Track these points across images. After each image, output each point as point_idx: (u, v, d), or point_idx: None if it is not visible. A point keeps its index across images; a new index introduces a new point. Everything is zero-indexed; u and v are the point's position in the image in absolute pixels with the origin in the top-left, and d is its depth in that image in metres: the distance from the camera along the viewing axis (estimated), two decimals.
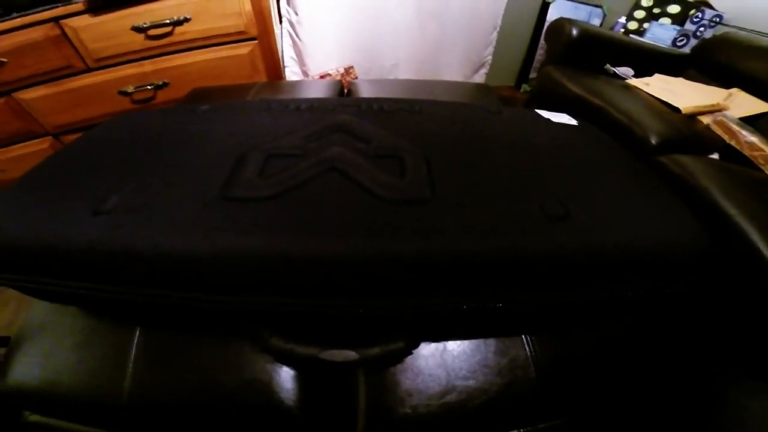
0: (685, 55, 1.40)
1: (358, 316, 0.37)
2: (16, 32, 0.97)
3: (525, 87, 1.90)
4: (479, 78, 1.81)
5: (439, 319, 0.42)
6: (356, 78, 1.67)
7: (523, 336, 0.44)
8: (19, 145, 1.20)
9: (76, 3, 0.98)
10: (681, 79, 1.32)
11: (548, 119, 0.59)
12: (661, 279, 0.36)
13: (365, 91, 1.05)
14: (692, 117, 1.09)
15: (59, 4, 0.97)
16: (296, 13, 1.44)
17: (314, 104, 0.60)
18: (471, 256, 0.34)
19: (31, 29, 0.98)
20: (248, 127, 0.53)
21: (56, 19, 0.98)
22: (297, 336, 0.41)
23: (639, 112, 1.02)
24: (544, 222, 0.36)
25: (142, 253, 0.34)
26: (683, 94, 1.20)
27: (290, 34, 1.51)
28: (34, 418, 0.49)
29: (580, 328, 0.45)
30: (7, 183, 1.26)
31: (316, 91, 1.10)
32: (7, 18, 0.95)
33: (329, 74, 1.64)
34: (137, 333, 0.46)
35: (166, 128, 0.55)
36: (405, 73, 1.73)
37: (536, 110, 0.62)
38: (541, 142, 0.51)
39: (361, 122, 0.53)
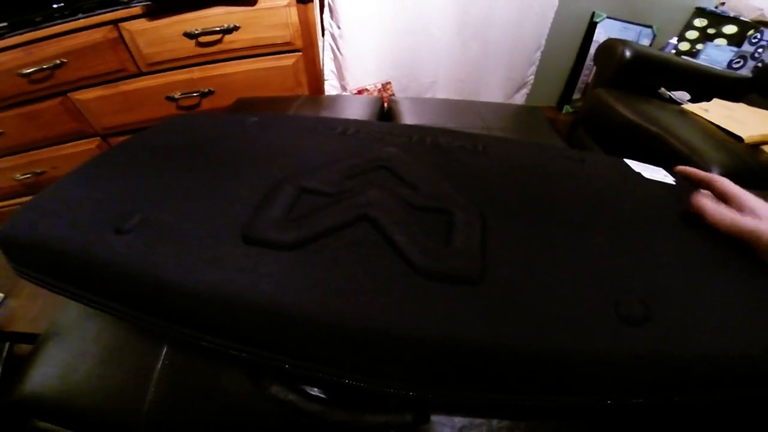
0: (745, 79, 1.32)
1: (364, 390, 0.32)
2: (78, 33, 1.01)
3: (567, 108, 1.84)
4: (520, 98, 1.77)
5: (463, 408, 0.37)
6: (393, 94, 1.67)
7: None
8: (70, 144, 1.24)
9: (134, 7, 1.02)
10: (743, 105, 1.23)
11: (639, 174, 0.50)
12: (753, 389, 0.29)
13: (406, 110, 1.03)
14: (756, 147, 1.01)
15: (119, 7, 1.01)
16: (339, 27, 1.46)
17: (361, 129, 0.56)
18: (520, 354, 0.28)
19: (92, 31, 1.02)
20: (290, 151, 0.50)
21: (116, 22, 1.02)
22: (300, 388, 0.37)
23: (699, 141, 0.95)
24: (618, 324, 0.29)
25: (151, 283, 0.33)
26: (746, 121, 1.12)
27: (332, 48, 1.53)
28: (44, 425, 0.47)
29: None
30: (56, 180, 1.31)
31: (357, 107, 1.09)
32: (72, 19, 0.99)
33: (367, 89, 1.64)
34: (164, 351, 0.44)
35: (210, 139, 0.53)
36: (443, 92, 1.72)
37: (625, 160, 0.53)
38: (630, 210, 0.42)
39: (410, 160, 0.47)
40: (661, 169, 0.52)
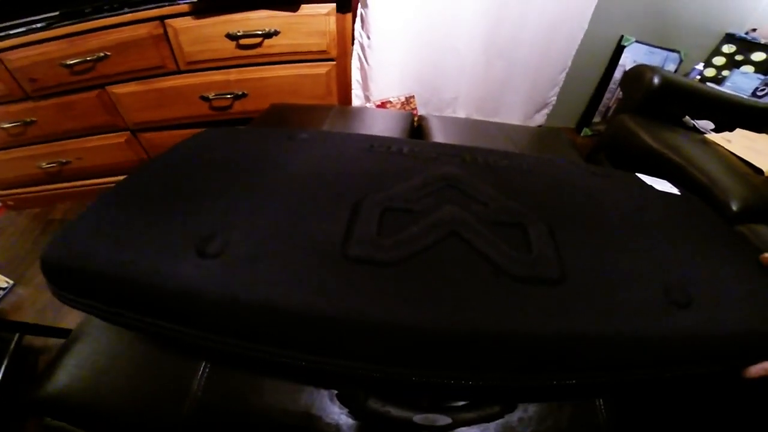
0: None
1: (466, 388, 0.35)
2: (123, 27, 1.02)
3: (586, 131, 1.86)
4: (540, 118, 1.79)
5: (544, 392, 0.40)
6: (415, 108, 1.69)
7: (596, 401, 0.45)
8: (99, 136, 1.24)
9: (181, 4, 1.02)
10: (765, 136, 1.25)
11: (651, 186, 0.58)
12: None
13: (436, 128, 1.06)
14: None
15: (166, 3, 1.02)
16: (368, 38, 1.47)
17: (415, 149, 0.58)
18: (597, 340, 0.33)
19: (138, 26, 1.02)
20: (355, 169, 0.51)
21: (162, 18, 1.02)
22: (392, 398, 0.38)
23: (720, 173, 0.96)
24: (668, 308, 0.35)
25: (254, 307, 0.32)
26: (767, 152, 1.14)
27: (359, 58, 1.55)
28: (57, 423, 0.45)
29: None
30: (81, 170, 1.31)
31: (389, 121, 1.11)
32: (120, 12, 1.00)
33: (390, 101, 1.65)
34: (203, 365, 0.43)
35: (267, 155, 0.52)
36: (463, 108, 1.74)
37: (637, 174, 0.61)
38: (653, 215, 0.50)
39: (472, 180, 0.50)
40: (665, 181, 0.60)
